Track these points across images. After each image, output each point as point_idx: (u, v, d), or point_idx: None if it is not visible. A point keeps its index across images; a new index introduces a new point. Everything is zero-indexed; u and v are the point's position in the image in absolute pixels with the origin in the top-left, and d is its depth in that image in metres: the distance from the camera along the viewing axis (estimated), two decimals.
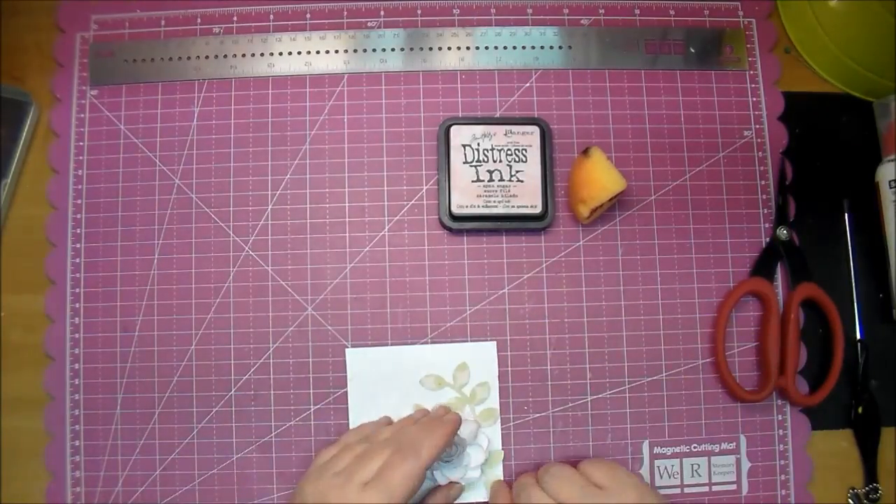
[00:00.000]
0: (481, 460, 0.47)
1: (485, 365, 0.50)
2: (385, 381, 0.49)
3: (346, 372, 0.49)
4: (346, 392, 0.49)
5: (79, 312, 0.50)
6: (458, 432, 0.46)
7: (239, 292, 0.50)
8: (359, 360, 0.49)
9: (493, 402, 0.49)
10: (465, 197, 0.50)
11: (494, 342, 0.50)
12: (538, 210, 0.50)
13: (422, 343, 0.50)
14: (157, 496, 0.48)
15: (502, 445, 0.49)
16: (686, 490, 0.49)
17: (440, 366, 0.49)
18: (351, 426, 0.49)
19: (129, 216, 0.51)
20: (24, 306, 0.50)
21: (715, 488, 0.49)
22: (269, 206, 0.51)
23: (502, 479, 0.49)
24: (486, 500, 0.48)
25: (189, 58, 0.53)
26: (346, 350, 0.49)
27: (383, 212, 0.51)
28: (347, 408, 0.49)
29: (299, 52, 0.53)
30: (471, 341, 0.50)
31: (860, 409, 0.50)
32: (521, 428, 0.49)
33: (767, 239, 0.52)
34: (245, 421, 0.49)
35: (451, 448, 0.46)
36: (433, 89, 0.53)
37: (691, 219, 0.52)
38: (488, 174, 0.50)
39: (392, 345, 0.50)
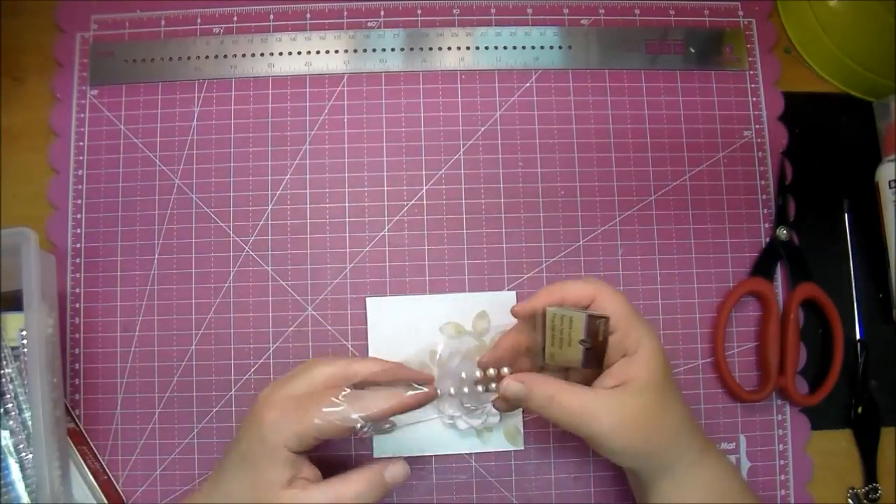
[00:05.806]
0: None
1: (504, 313, 0.49)
2: (405, 330, 0.50)
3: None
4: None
5: (79, 312, 0.50)
6: None
7: (239, 292, 0.50)
8: (379, 309, 0.50)
9: None
10: None
11: (514, 292, 0.50)
12: None
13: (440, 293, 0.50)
14: (157, 496, 0.48)
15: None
16: None
17: (460, 314, 0.50)
18: None
19: (129, 216, 0.51)
20: None
21: None
22: (269, 206, 0.51)
23: (521, 429, 0.49)
24: (503, 448, 0.49)
25: (189, 58, 0.52)
26: (367, 299, 0.50)
27: (383, 212, 0.51)
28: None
29: (299, 52, 0.53)
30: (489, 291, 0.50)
31: (860, 409, 0.50)
32: (521, 428, 0.49)
33: (767, 239, 0.52)
34: None
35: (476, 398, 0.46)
36: (433, 89, 0.53)
37: (691, 219, 0.52)
38: None
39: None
